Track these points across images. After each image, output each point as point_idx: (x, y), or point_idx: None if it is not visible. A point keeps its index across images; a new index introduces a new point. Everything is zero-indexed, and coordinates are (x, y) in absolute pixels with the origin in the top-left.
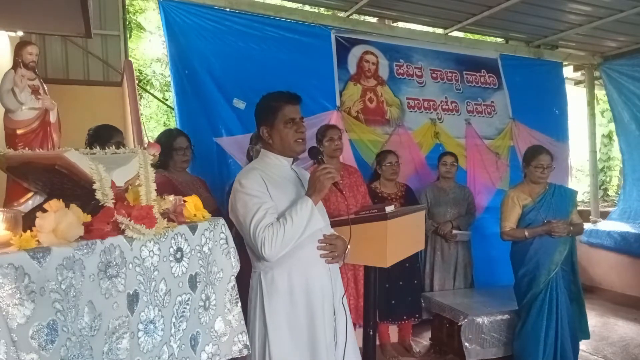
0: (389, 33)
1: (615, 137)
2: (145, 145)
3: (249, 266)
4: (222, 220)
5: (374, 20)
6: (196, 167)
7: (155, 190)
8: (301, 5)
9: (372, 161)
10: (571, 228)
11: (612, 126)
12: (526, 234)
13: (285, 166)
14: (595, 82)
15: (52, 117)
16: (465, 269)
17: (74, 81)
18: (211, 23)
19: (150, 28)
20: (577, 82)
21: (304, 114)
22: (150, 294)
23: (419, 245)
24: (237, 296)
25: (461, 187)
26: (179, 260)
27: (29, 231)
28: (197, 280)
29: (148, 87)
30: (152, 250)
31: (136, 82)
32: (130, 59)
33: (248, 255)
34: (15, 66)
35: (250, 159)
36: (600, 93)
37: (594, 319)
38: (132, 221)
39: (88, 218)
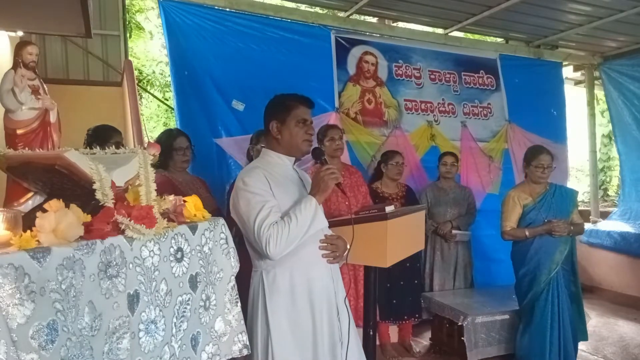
0: (389, 33)
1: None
2: (145, 145)
3: (249, 266)
4: (222, 220)
5: (374, 20)
6: (196, 167)
7: (155, 190)
8: (301, 5)
9: (367, 163)
10: (572, 228)
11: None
12: (527, 233)
13: (287, 165)
14: (595, 82)
15: (52, 117)
16: (465, 269)
17: (74, 81)
18: (211, 23)
19: (150, 28)
20: (577, 82)
21: None
22: (152, 294)
23: (419, 245)
24: (237, 296)
25: (461, 187)
26: (179, 260)
27: (29, 231)
28: (198, 280)
29: (148, 87)
30: (153, 250)
31: (136, 82)
32: (130, 59)
33: (248, 254)
34: (15, 66)
35: (250, 158)
36: (600, 93)
37: (594, 319)
38: (132, 221)
39: (88, 218)
